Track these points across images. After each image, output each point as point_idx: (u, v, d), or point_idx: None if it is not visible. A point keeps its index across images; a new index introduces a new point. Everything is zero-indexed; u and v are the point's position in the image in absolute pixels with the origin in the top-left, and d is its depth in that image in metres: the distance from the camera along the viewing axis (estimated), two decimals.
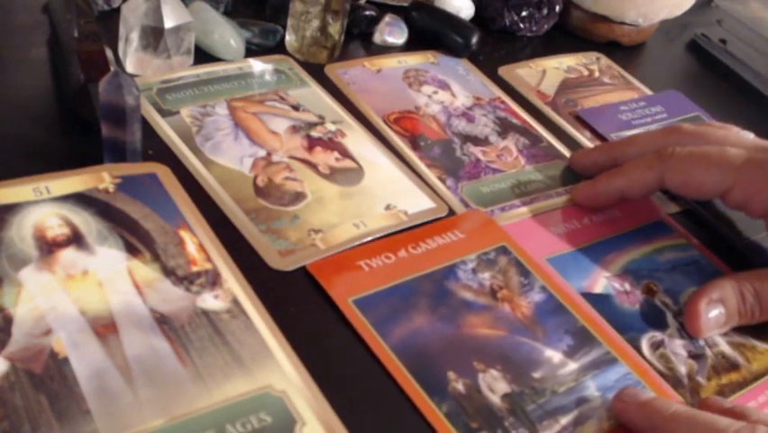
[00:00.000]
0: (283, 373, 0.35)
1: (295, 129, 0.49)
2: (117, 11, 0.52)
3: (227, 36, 0.53)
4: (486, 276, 0.43)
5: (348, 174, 0.47)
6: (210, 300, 0.37)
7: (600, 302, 0.44)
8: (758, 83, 0.72)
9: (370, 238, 0.43)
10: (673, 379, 0.41)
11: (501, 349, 0.39)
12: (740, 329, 0.44)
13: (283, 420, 0.33)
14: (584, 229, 0.49)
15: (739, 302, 0.43)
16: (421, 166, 0.50)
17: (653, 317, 0.44)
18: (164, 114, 0.48)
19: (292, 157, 0.47)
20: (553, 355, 0.40)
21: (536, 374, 0.38)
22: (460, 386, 0.37)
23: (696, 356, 0.42)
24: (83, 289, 0.35)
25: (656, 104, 0.64)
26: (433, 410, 0.35)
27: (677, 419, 0.34)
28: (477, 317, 0.41)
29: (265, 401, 0.33)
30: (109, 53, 0.46)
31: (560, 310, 0.42)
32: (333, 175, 0.47)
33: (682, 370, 0.41)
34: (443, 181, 0.49)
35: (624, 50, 0.71)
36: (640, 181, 0.47)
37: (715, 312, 0.43)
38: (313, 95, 0.53)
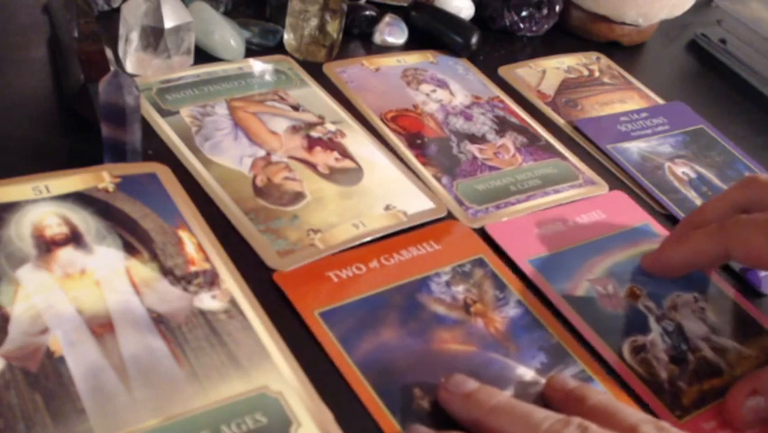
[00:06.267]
0: (279, 374, 0.35)
1: (294, 129, 0.49)
2: (117, 11, 0.52)
3: (227, 36, 0.53)
4: (460, 289, 0.42)
5: (347, 174, 0.47)
6: (207, 300, 0.37)
7: (582, 305, 0.43)
8: (758, 83, 0.72)
9: (369, 238, 0.43)
10: (654, 384, 0.40)
11: (471, 365, 0.38)
12: (723, 333, 0.44)
13: (278, 421, 0.33)
14: (569, 231, 0.48)
15: None
16: (417, 164, 0.50)
17: (635, 322, 0.43)
18: (164, 114, 0.48)
19: (291, 157, 0.47)
20: (526, 373, 0.38)
21: (506, 392, 0.36)
22: (425, 403, 0.36)
23: (677, 361, 0.41)
24: (80, 288, 0.35)
25: (659, 115, 0.62)
26: (394, 428, 0.34)
27: (496, 412, 0.34)
28: (447, 331, 0.39)
29: (261, 402, 0.33)
30: (109, 53, 0.46)
31: (535, 326, 0.41)
32: (332, 175, 0.47)
33: (663, 375, 0.40)
34: (438, 179, 0.49)
35: (624, 50, 0.71)
36: (703, 254, 0.44)
37: (754, 403, 0.39)
38: (313, 95, 0.53)
